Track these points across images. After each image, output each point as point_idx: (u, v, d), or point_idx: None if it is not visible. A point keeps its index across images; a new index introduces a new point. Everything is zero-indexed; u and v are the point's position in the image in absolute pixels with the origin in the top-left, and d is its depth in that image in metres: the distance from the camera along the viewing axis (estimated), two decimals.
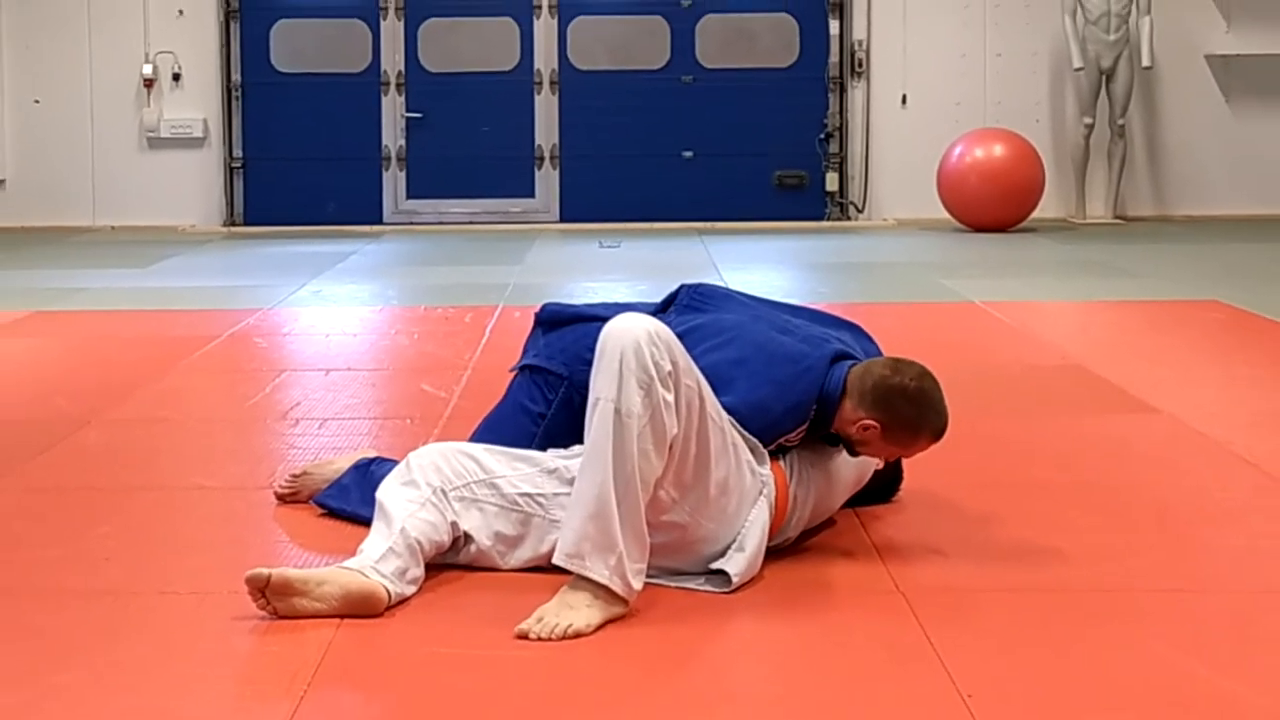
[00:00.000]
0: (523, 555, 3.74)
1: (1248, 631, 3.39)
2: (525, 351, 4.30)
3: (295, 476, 4.42)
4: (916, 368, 3.83)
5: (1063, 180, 13.68)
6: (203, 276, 10.45)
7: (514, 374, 4.27)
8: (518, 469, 3.79)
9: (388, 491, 3.71)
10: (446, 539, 3.69)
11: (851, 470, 4.05)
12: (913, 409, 3.78)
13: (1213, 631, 3.39)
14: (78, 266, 10.99)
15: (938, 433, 3.84)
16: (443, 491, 3.70)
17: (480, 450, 3.83)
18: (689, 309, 4.14)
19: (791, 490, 3.84)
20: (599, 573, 3.40)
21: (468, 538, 3.72)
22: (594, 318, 4.02)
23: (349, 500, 4.21)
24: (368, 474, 4.20)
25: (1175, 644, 3.28)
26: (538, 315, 4.33)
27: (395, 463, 4.21)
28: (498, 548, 3.74)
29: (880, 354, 4.06)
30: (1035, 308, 8.55)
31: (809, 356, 3.85)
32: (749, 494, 3.72)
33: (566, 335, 4.16)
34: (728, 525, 3.67)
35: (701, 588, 3.64)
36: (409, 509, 3.64)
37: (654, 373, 3.45)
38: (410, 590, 3.55)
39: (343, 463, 4.40)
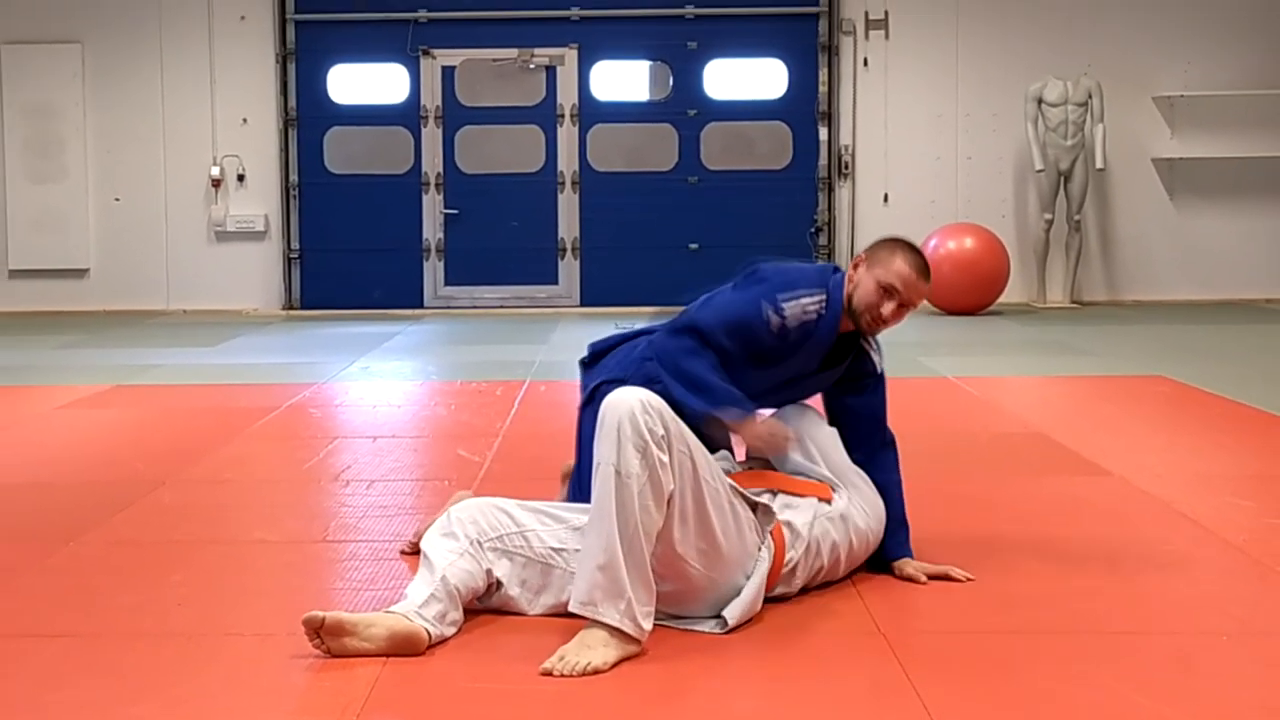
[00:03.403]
0: (547, 601, 3.75)
1: (1188, 668, 3.41)
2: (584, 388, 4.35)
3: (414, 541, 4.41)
4: None
5: (1025, 269, 13.72)
6: (264, 355, 10.48)
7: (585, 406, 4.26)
8: (546, 525, 3.80)
9: (430, 542, 3.75)
10: (482, 585, 3.71)
11: (863, 542, 4.05)
12: (888, 239, 4.12)
13: (1157, 668, 3.40)
14: (153, 346, 11.03)
15: (917, 263, 4.03)
16: (478, 543, 3.73)
17: (513, 505, 3.85)
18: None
19: (793, 555, 3.84)
20: (611, 617, 3.41)
21: (499, 584, 3.74)
22: (631, 335, 4.32)
23: None
24: None
25: (1124, 679, 3.29)
26: (583, 360, 4.44)
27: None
28: (525, 594, 3.76)
29: None
30: (1001, 382, 8.57)
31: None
32: (749, 548, 3.72)
33: (610, 360, 4.32)
34: (730, 575, 3.67)
35: (703, 630, 3.65)
36: (449, 558, 3.66)
37: (648, 437, 3.47)
38: (450, 631, 3.56)
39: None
